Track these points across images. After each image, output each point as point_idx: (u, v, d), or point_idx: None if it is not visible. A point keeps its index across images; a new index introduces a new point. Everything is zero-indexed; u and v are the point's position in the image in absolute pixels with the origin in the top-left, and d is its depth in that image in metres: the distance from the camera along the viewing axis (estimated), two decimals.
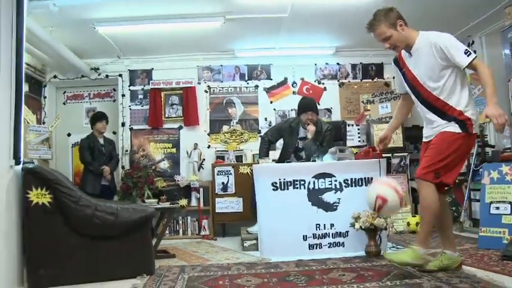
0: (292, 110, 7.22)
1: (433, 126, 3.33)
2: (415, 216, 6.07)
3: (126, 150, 7.28)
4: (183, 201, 6.47)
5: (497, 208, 4.35)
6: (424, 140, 3.49)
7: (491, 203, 4.40)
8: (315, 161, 4.76)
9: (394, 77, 7.54)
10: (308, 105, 5.36)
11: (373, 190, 3.77)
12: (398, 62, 3.57)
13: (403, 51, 3.46)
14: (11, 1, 3.48)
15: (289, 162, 5.06)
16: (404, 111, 3.85)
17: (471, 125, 3.20)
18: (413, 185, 6.51)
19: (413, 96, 3.47)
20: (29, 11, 4.48)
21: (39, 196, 3.46)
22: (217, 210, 6.63)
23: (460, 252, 3.75)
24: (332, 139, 5.30)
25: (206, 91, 7.51)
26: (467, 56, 3.10)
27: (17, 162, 3.46)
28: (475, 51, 3.62)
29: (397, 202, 3.65)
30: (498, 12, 5.52)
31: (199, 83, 7.50)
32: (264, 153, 5.45)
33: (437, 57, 3.19)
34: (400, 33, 3.31)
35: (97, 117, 6.30)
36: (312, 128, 5.19)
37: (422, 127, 3.57)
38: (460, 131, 3.19)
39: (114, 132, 7.37)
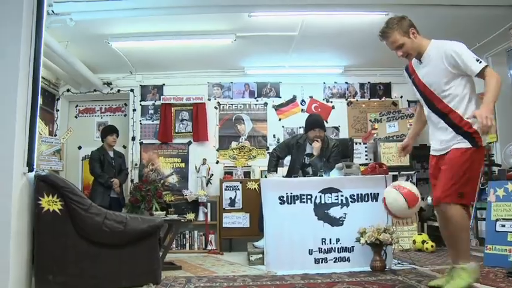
0: (300, 127, 7.27)
1: (443, 139, 3.32)
2: (421, 234, 6.06)
3: (136, 164, 7.37)
4: (191, 216, 6.54)
5: (503, 226, 4.35)
6: (433, 153, 3.48)
7: (496, 220, 4.41)
8: (321, 175, 4.81)
9: (402, 96, 7.65)
10: (316, 122, 5.42)
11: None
12: (409, 70, 3.58)
13: (413, 59, 3.48)
14: (32, 16, 3.59)
15: (296, 177, 5.11)
16: (423, 118, 3.77)
17: (479, 137, 3.20)
18: (420, 204, 6.53)
19: (423, 103, 3.48)
20: (47, 25, 4.64)
21: (51, 203, 3.52)
22: (224, 225, 6.66)
23: None
24: (339, 155, 5.35)
25: (216, 107, 7.62)
26: (479, 63, 3.08)
27: (30, 170, 3.53)
28: None
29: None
30: (504, 33, 5.60)
31: (209, 100, 7.62)
32: (272, 167, 5.50)
33: (447, 65, 3.20)
34: (413, 41, 3.34)
35: (108, 131, 6.41)
36: (317, 144, 5.25)
37: (430, 146, 3.58)
38: (470, 146, 3.19)
39: (125, 146, 7.47)
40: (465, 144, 3.20)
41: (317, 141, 5.25)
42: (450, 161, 3.24)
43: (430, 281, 3.52)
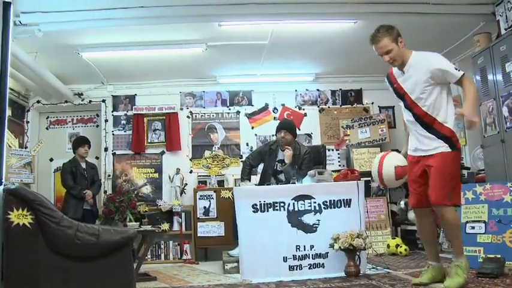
0: (273, 135, 7.25)
1: (425, 143, 3.55)
2: (394, 239, 6.14)
3: (109, 175, 7.29)
4: (165, 226, 6.49)
5: (473, 227, 4.45)
6: (411, 153, 3.71)
7: (466, 222, 4.50)
8: (294, 183, 4.84)
9: (373, 102, 7.76)
10: (281, 124, 5.47)
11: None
12: (390, 78, 3.80)
13: (394, 69, 3.71)
14: None
15: (269, 184, 5.13)
16: None
17: (457, 140, 3.50)
18: (393, 208, 6.65)
19: (405, 110, 3.70)
20: (14, 36, 4.58)
21: (20, 217, 3.44)
22: (199, 235, 6.63)
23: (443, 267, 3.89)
24: (311, 162, 5.36)
25: (188, 117, 7.61)
26: (458, 71, 3.40)
27: None
28: None
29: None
30: (468, 40, 5.76)
31: (181, 109, 7.60)
32: (245, 176, 5.50)
33: (428, 75, 3.45)
34: (400, 49, 3.55)
35: (79, 142, 6.32)
36: (288, 152, 5.26)
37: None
38: (451, 150, 3.46)
39: (97, 157, 7.39)
40: (447, 148, 3.46)
41: (288, 149, 5.28)
42: (437, 166, 3.47)
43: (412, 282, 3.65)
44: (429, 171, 3.51)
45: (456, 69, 3.42)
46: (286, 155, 5.27)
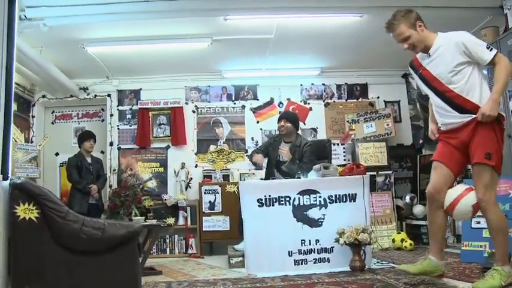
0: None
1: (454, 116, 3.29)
2: (400, 233, 6.13)
3: (114, 170, 7.31)
4: (170, 220, 6.51)
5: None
6: (443, 128, 3.44)
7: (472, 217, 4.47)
8: (299, 177, 4.84)
9: (378, 97, 7.72)
10: (281, 114, 5.52)
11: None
12: (414, 65, 3.56)
13: (419, 54, 3.46)
14: (2, 21, 3.54)
15: (274, 178, 5.13)
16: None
17: (502, 116, 3.25)
18: (398, 203, 6.65)
19: (433, 96, 3.42)
20: (19, 31, 4.57)
21: (27, 211, 3.46)
22: (204, 229, 6.63)
23: (443, 266, 3.84)
24: (313, 155, 5.34)
25: (194, 111, 7.60)
26: (490, 50, 3.15)
27: (5, 178, 3.47)
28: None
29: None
30: (476, 34, 5.69)
31: (186, 103, 7.60)
32: (257, 150, 5.63)
33: (459, 54, 3.20)
34: (419, 34, 3.33)
35: (85, 136, 6.35)
36: (285, 150, 5.30)
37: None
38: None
39: (102, 152, 7.41)
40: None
41: (283, 148, 5.30)
42: (480, 128, 3.21)
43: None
44: (471, 138, 3.23)
45: (488, 47, 3.15)
46: (283, 153, 5.28)
